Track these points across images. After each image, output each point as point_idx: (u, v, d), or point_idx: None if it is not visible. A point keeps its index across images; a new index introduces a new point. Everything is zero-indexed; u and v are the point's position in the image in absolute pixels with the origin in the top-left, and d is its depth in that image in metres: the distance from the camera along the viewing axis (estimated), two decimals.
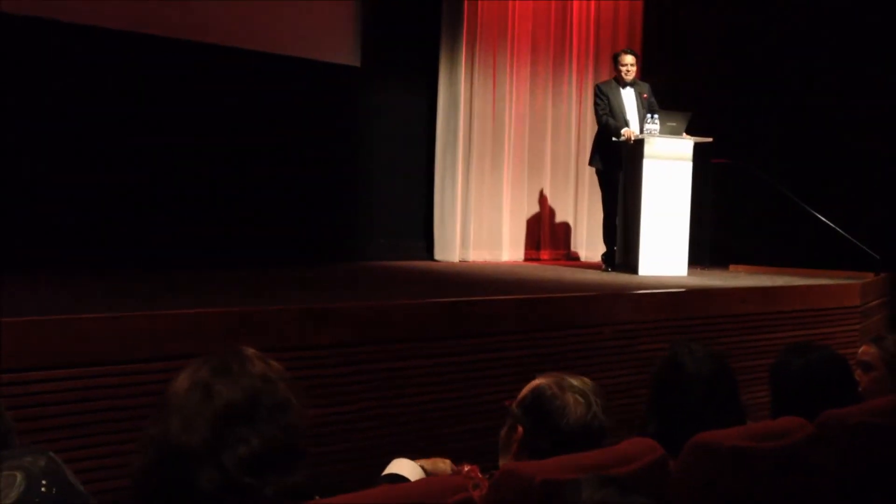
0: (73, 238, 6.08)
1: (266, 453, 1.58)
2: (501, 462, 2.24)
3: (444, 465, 2.43)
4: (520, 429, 2.20)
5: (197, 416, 1.59)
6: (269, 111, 7.20)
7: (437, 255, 8.22)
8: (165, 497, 1.57)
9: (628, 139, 6.86)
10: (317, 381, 3.55)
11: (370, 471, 2.31)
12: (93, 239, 6.19)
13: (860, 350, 3.70)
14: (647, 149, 6.72)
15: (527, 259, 8.67)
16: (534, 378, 2.26)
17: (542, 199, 8.92)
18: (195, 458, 1.55)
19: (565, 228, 9.13)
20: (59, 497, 1.47)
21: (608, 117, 7.16)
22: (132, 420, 3.07)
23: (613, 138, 7.01)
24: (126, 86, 6.42)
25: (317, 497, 1.65)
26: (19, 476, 1.44)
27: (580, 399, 2.15)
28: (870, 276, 7.02)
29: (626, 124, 7.10)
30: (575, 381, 2.19)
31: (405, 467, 2.30)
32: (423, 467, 2.33)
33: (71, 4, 6.10)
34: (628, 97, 7.23)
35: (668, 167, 6.80)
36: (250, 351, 1.73)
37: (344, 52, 7.73)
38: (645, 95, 7.26)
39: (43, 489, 1.45)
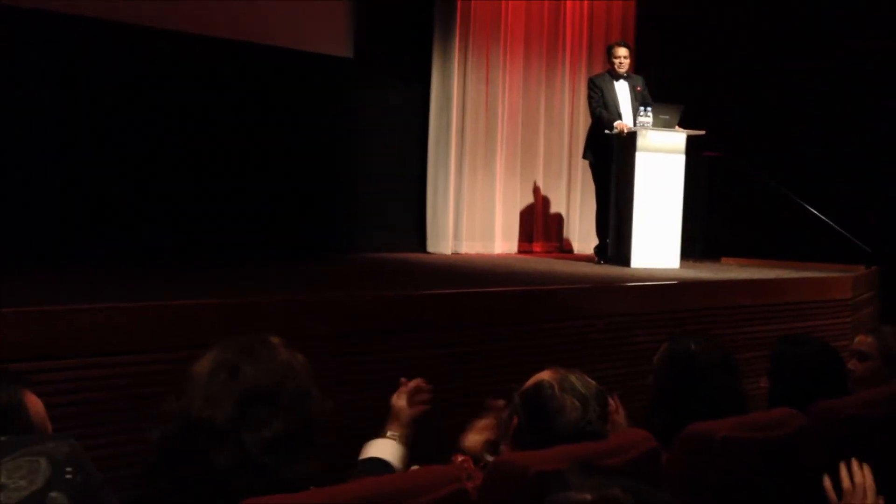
0: (65, 230, 6.06)
1: (286, 438, 1.60)
2: (501, 445, 2.26)
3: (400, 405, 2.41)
4: (515, 419, 2.21)
5: (222, 393, 1.60)
6: (260, 102, 7.18)
7: (430, 247, 8.22)
8: (180, 470, 1.58)
9: (621, 131, 6.86)
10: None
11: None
12: (85, 231, 6.17)
13: (856, 340, 3.72)
14: (640, 141, 6.73)
15: (519, 251, 8.67)
16: (541, 369, 2.26)
17: (535, 191, 8.93)
18: (216, 434, 1.57)
19: (558, 221, 9.14)
20: (84, 484, 1.45)
21: (602, 109, 7.16)
22: (122, 411, 3.08)
23: (606, 131, 7.02)
24: (114, 76, 6.38)
25: (311, 487, 1.66)
26: (43, 462, 1.43)
27: (577, 403, 2.15)
28: (861, 269, 7.05)
29: (620, 117, 7.10)
30: (578, 384, 2.19)
31: (381, 448, 2.31)
32: (392, 437, 2.35)
33: None
34: (622, 90, 7.24)
35: (661, 160, 6.81)
36: (276, 339, 1.74)
37: (337, 43, 7.71)
38: (639, 88, 7.26)
39: (68, 476, 1.43)
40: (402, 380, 2.46)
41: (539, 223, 8.96)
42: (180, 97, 6.69)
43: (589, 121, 7.58)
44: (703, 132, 7.00)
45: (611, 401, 2.27)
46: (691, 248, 7.60)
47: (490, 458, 2.31)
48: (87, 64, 6.25)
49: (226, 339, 1.73)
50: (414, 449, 2.43)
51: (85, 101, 6.25)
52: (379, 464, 2.24)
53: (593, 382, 2.21)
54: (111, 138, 6.35)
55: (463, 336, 4.18)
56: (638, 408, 2.95)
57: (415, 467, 2.22)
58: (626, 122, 7.02)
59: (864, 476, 2.11)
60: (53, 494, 1.40)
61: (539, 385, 2.20)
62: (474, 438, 2.43)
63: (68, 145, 6.17)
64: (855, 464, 2.14)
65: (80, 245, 6.02)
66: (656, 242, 6.81)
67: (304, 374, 1.72)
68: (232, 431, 1.58)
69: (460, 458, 2.35)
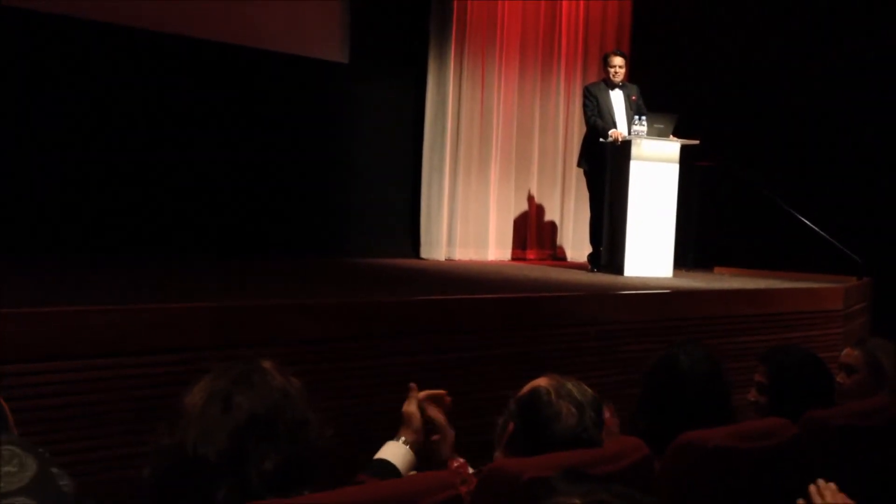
0: (54, 230, 6.06)
1: (287, 468, 1.54)
2: (496, 452, 2.26)
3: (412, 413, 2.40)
4: (510, 425, 2.21)
5: (217, 427, 1.55)
6: (256, 107, 7.19)
7: (424, 253, 8.23)
8: None
9: (615, 140, 6.88)
10: (302, 377, 3.54)
11: (352, 467, 2.31)
12: (74, 232, 6.17)
13: (843, 353, 3.73)
14: (634, 150, 6.75)
15: (513, 258, 8.69)
16: (534, 376, 2.27)
17: (529, 198, 8.94)
18: (214, 469, 1.51)
19: (552, 228, 9.16)
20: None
21: (596, 118, 7.18)
22: (109, 414, 3.07)
23: (601, 139, 7.04)
24: (106, 78, 6.40)
25: (306, 492, 1.66)
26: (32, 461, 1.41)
27: (574, 410, 2.15)
28: (852, 281, 7.07)
29: (615, 126, 7.12)
30: (575, 391, 2.18)
31: (393, 451, 2.30)
32: (405, 442, 2.33)
33: None
34: (617, 99, 7.26)
35: (655, 169, 6.83)
36: (268, 363, 1.70)
37: (332, 48, 7.72)
38: (634, 97, 7.28)
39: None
40: (412, 385, 2.43)
41: (533, 230, 8.97)
42: (174, 100, 6.70)
43: (584, 128, 7.61)
44: (697, 142, 7.02)
45: (606, 411, 2.27)
46: (684, 257, 7.62)
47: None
48: (78, 65, 6.26)
49: (218, 366, 1.67)
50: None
51: (73, 102, 6.26)
52: (385, 467, 2.24)
53: (590, 390, 2.22)
54: (101, 139, 6.36)
55: (457, 342, 4.18)
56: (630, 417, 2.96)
57: (412, 473, 2.22)
58: (620, 130, 7.04)
59: (831, 495, 2.10)
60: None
61: (535, 391, 2.20)
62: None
63: (57, 145, 6.17)
64: (821, 483, 2.13)
65: (70, 246, 6.01)
66: (650, 251, 6.83)
67: (301, 400, 1.66)
68: (229, 465, 1.53)
69: (456, 464, 2.36)
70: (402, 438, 2.31)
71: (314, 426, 1.64)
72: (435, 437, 2.35)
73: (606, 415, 2.29)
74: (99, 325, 3.15)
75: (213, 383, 1.62)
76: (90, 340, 3.11)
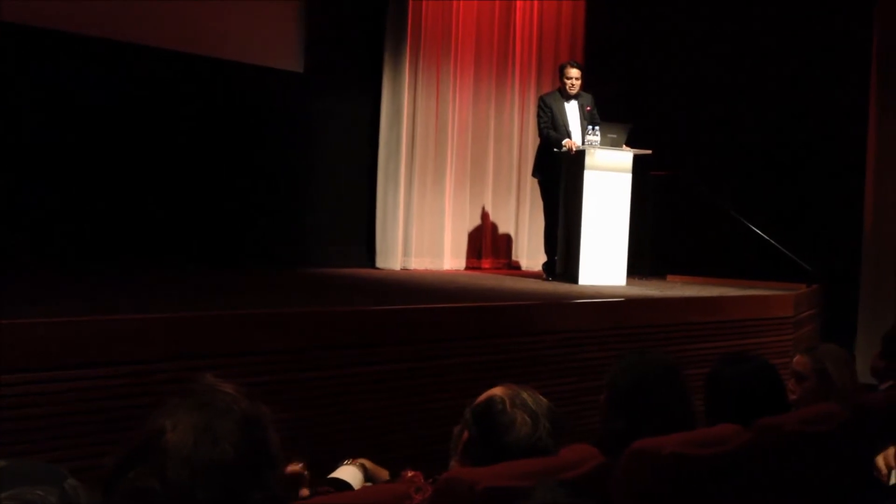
0: (9, 240, 5.95)
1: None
2: (452, 461, 2.26)
3: (383, 474, 2.44)
4: (465, 433, 2.21)
5: (209, 464, 1.48)
6: (210, 116, 7.12)
7: (379, 262, 8.21)
8: None
9: (570, 150, 6.94)
10: (260, 388, 3.51)
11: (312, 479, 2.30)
12: (30, 241, 6.07)
13: (794, 360, 3.79)
14: (588, 160, 6.81)
15: (468, 267, 8.70)
16: (492, 385, 2.27)
17: (484, 207, 8.97)
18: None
19: (507, 238, 9.19)
20: None
21: (549, 130, 7.22)
22: (68, 427, 3.03)
23: (555, 149, 7.08)
24: (59, 87, 6.30)
25: None
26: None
27: (528, 419, 2.15)
28: (802, 288, 7.20)
29: (569, 136, 7.17)
30: (530, 400, 2.19)
31: (348, 474, 2.30)
32: (364, 465, 2.32)
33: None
34: (571, 110, 7.31)
35: (609, 178, 6.90)
36: (229, 386, 1.65)
37: (287, 58, 7.69)
38: (588, 108, 7.33)
39: None
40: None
41: (488, 239, 9.00)
42: (127, 109, 6.62)
43: (538, 138, 7.65)
44: (649, 151, 7.11)
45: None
46: (638, 265, 7.70)
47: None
48: (30, 74, 6.16)
49: (177, 396, 1.58)
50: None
51: (28, 112, 6.16)
52: (338, 484, 2.23)
53: (545, 400, 2.23)
54: (52, 149, 6.25)
55: (414, 352, 4.18)
56: (588, 423, 2.98)
57: (367, 484, 2.21)
58: (575, 140, 7.09)
59: None
60: None
61: (490, 400, 2.20)
62: None
63: (8, 156, 6.05)
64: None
65: (26, 256, 5.91)
66: (604, 260, 6.89)
67: (269, 422, 1.59)
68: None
69: (410, 474, 2.35)
70: (362, 462, 2.30)
71: (279, 451, 1.61)
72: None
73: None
74: (55, 336, 3.11)
75: (190, 415, 1.53)
76: (43, 352, 3.07)
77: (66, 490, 1.34)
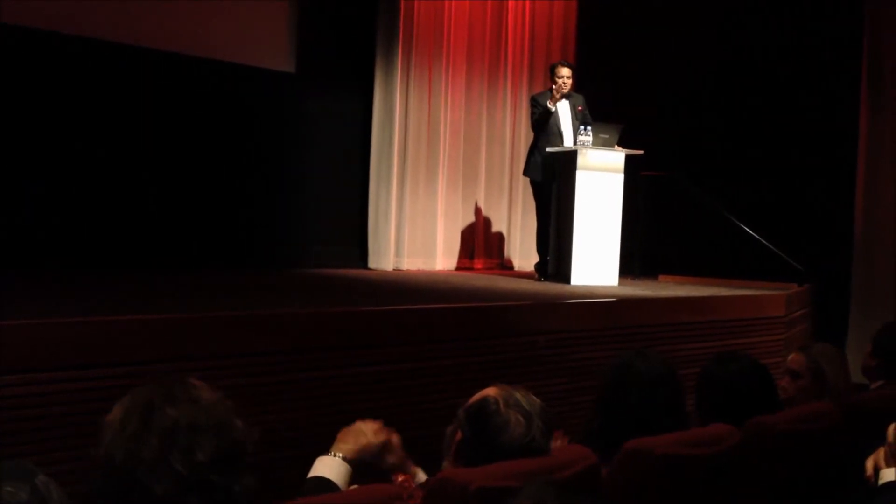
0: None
1: (219, 459, 1.56)
2: (445, 461, 2.25)
3: (365, 431, 2.37)
4: (458, 434, 2.21)
5: (142, 432, 1.56)
6: (202, 116, 7.11)
7: (371, 263, 8.20)
8: None
9: (554, 106, 7.01)
10: (251, 390, 3.51)
11: (288, 485, 2.28)
12: (22, 243, 6.04)
13: (789, 358, 3.80)
14: (580, 160, 6.81)
15: (460, 268, 8.69)
16: (485, 385, 2.26)
17: (477, 208, 8.97)
18: (146, 468, 1.53)
19: (499, 238, 9.19)
20: None
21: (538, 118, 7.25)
22: (58, 429, 3.01)
23: (548, 149, 7.08)
24: (48, 87, 6.27)
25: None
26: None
27: (521, 420, 2.15)
28: (794, 287, 7.21)
29: (561, 136, 7.18)
30: (523, 400, 2.18)
31: (327, 467, 2.25)
32: (344, 458, 2.28)
33: None
34: (563, 109, 7.30)
35: (601, 178, 6.90)
36: (196, 380, 1.70)
37: (279, 57, 7.68)
38: (580, 108, 7.33)
39: None
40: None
41: (480, 240, 9.00)
42: (120, 110, 6.61)
43: (530, 138, 7.65)
44: (641, 152, 7.11)
45: (557, 438, 2.28)
46: (630, 265, 7.71)
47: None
48: (21, 74, 6.13)
49: (144, 385, 1.68)
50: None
51: (28, 112, 6.14)
52: (322, 483, 2.20)
53: (538, 400, 2.23)
54: (36, 150, 6.22)
55: (406, 353, 4.18)
56: (581, 424, 2.97)
57: (354, 486, 2.19)
58: (567, 142, 7.10)
59: None
60: None
61: (484, 400, 2.20)
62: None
63: (8, 156, 6.03)
64: None
65: (19, 257, 5.88)
66: (596, 260, 6.90)
67: (225, 406, 1.66)
68: (161, 462, 1.54)
69: (401, 478, 2.35)
70: (337, 453, 2.27)
71: (240, 428, 1.63)
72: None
73: (557, 443, 2.29)
74: (46, 337, 3.10)
75: (136, 397, 1.63)
76: (42, 353, 3.06)
77: (37, 486, 1.38)
